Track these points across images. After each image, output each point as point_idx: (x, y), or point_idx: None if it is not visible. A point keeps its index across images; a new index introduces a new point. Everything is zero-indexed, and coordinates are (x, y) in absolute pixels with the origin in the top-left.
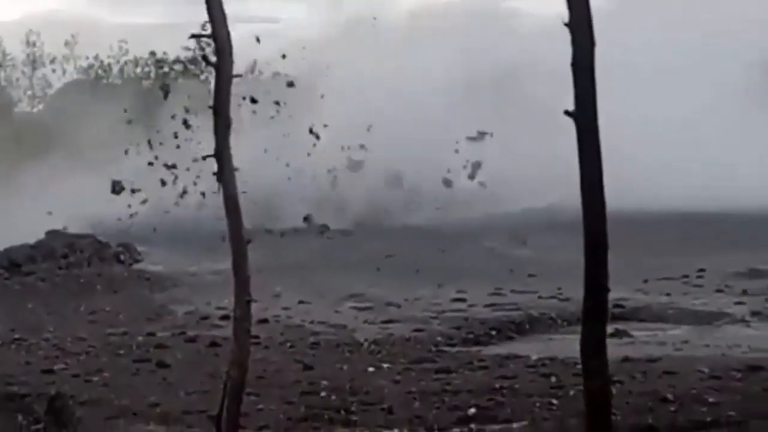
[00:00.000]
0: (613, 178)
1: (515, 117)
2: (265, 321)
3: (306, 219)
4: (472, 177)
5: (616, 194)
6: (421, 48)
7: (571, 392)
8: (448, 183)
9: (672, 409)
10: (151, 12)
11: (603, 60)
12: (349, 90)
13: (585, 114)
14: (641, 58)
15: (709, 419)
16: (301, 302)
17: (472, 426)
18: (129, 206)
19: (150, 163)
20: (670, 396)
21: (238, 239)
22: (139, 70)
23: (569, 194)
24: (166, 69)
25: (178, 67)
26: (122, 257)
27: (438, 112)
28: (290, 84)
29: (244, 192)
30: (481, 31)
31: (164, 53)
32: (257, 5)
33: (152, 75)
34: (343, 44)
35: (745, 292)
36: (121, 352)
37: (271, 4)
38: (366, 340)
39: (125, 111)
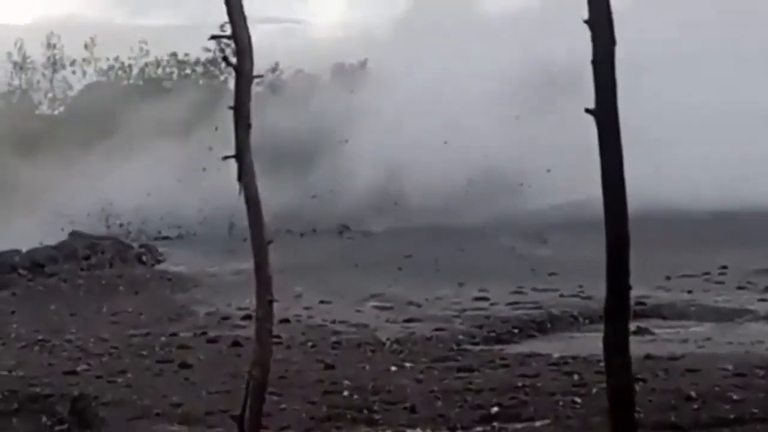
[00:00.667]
0: (635, 174)
1: (547, 113)
2: (286, 321)
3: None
4: None
5: (637, 190)
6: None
7: (594, 390)
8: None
9: (695, 406)
10: (170, 14)
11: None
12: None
13: (606, 111)
14: (659, 49)
15: (732, 416)
16: (322, 302)
17: (495, 424)
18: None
19: None
20: (693, 394)
21: (259, 240)
22: (160, 71)
23: (590, 191)
24: (188, 71)
25: (199, 68)
26: (144, 258)
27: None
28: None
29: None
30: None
31: (186, 54)
32: (277, 5)
33: (174, 76)
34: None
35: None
36: (144, 352)
37: (292, 4)
38: (388, 339)
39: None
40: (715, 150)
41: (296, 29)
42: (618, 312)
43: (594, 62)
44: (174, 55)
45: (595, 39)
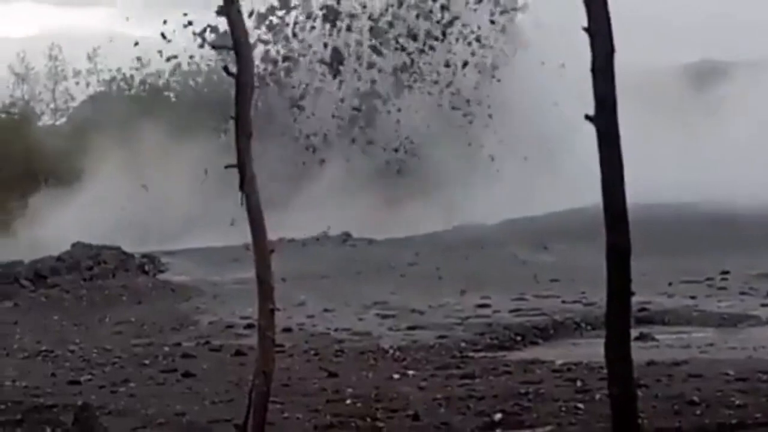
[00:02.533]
0: (634, 178)
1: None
2: (289, 330)
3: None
4: None
5: (638, 194)
6: None
7: (598, 396)
8: None
9: (698, 412)
10: (170, 23)
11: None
12: None
13: (605, 118)
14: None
15: (735, 421)
16: (325, 310)
17: (498, 431)
18: None
19: None
20: (696, 399)
21: (261, 249)
22: (161, 81)
23: (592, 197)
24: (190, 81)
25: (200, 78)
26: (146, 268)
27: None
28: None
29: None
30: None
31: (189, 64)
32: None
33: (176, 86)
34: None
35: None
36: (147, 362)
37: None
38: (391, 347)
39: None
40: (717, 152)
41: None
42: (619, 318)
43: (593, 70)
44: (179, 65)
45: (594, 47)
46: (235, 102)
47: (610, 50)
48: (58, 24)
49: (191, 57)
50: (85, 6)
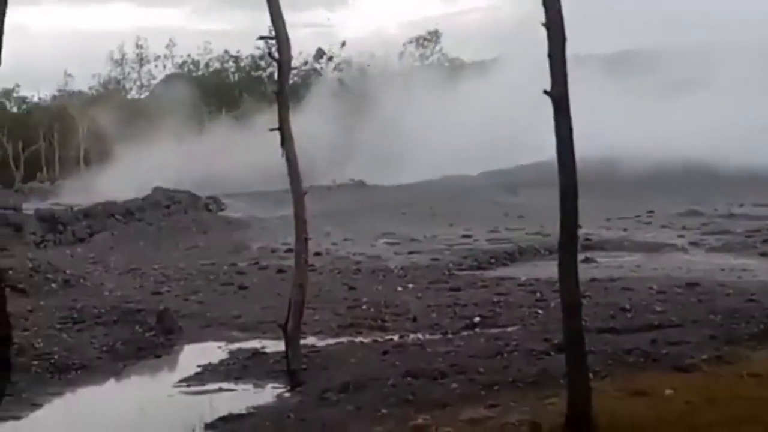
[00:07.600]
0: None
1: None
2: (318, 254)
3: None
4: None
5: (585, 150)
6: None
7: (552, 304)
8: None
9: (629, 316)
10: (228, 19)
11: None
12: None
13: (559, 93)
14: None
15: (656, 323)
16: (345, 239)
17: (477, 330)
18: None
19: None
20: (627, 306)
21: (297, 191)
22: (219, 65)
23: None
24: (242, 64)
25: (250, 62)
26: (210, 207)
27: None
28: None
29: None
30: None
31: (237, 51)
32: (310, 14)
33: (231, 69)
34: None
35: (684, 228)
36: (211, 277)
37: (323, 12)
38: (396, 267)
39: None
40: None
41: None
42: (569, 245)
43: (550, 55)
44: (226, 52)
45: (550, 37)
46: (277, 80)
47: (563, 40)
48: (144, 21)
49: (237, 51)
50: (165, 6)
